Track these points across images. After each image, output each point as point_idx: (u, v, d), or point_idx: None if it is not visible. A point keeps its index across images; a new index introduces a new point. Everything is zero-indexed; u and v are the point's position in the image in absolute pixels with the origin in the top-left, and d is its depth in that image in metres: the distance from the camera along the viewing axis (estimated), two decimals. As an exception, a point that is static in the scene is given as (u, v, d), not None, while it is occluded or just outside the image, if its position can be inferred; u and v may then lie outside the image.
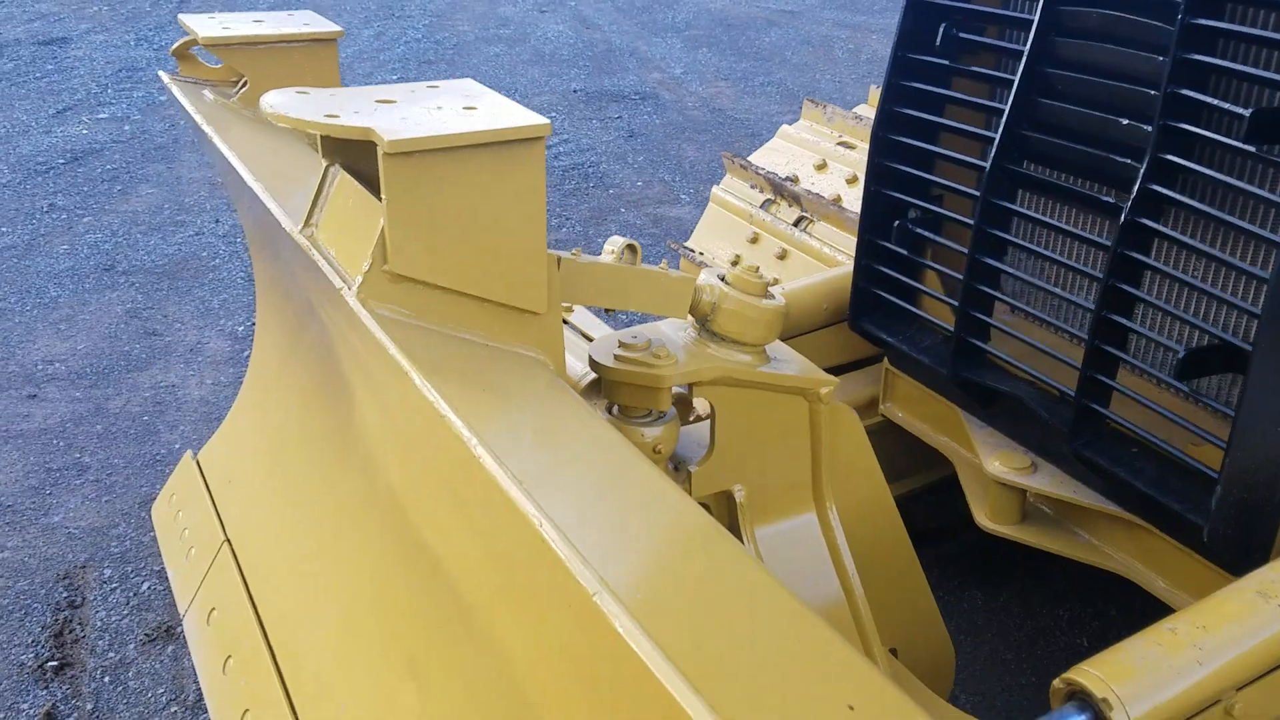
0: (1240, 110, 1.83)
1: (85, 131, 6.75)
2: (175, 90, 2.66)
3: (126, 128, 6.86)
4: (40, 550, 3.19)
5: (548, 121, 1.55)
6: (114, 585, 3.06)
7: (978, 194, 2.27)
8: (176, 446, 3.65)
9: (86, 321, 4.50)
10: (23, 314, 4.55)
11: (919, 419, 2.77)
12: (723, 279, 1.91)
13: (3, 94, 7.46)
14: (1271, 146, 1.84)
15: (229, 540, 2.91)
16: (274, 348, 2.86)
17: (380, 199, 1.52)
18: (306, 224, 1.82)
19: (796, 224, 3.24)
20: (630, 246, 1.76)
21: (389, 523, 1.90)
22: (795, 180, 3.38)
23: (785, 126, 3.67)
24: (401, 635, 1.86)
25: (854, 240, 2.70)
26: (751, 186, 3.43)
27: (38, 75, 7.91)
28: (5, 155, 6.32)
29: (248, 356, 4.23)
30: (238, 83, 2.68)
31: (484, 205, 1.53)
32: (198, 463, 3.23)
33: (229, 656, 2.71)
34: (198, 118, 2.53)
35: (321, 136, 1.79)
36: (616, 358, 1.82)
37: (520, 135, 1.52)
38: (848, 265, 2.80)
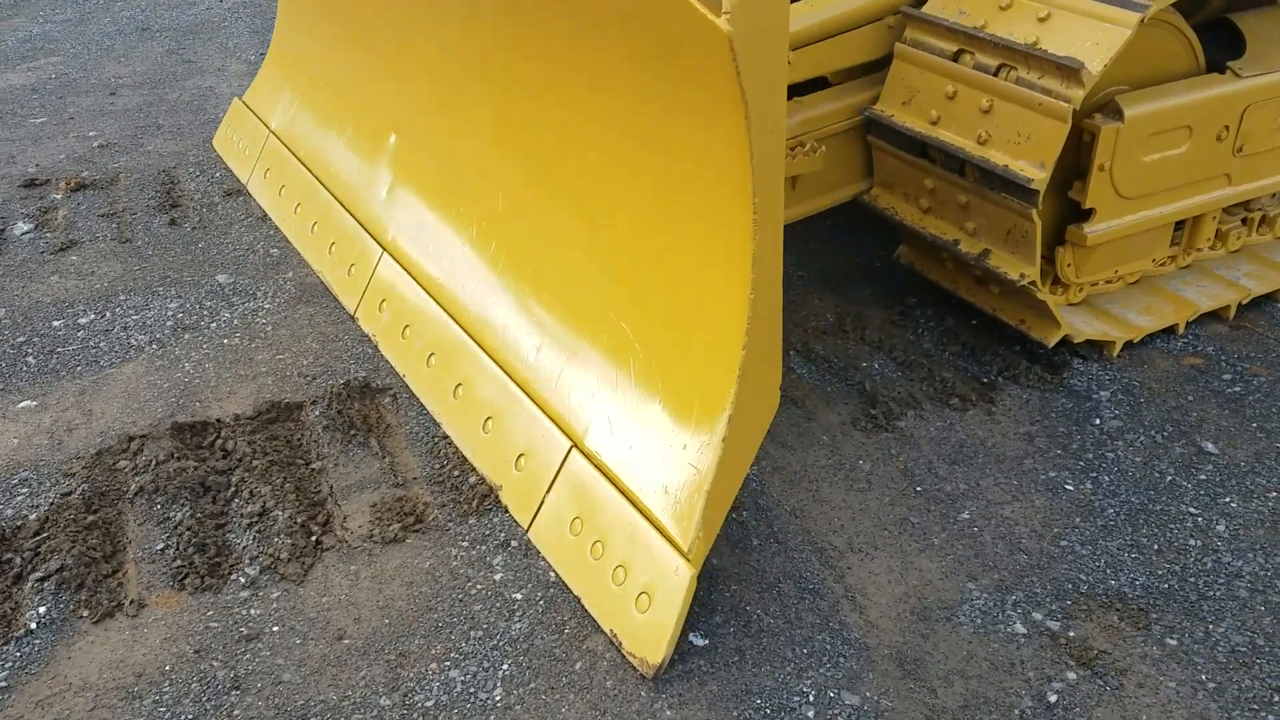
0: None
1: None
2: None
3: (132, -54, 8.32)
4: (143, 162, 4.85)
5: None
6: (196, 175, 4.73)
7: None
8: (222, 114, 5.28)
9: (138, 56, 6.10)
10: (90, 54, 6.14)
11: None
12: None
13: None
14: None
15: (273, 133, 4.57)
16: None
17: None
18: None
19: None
20: None
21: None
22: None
23: None
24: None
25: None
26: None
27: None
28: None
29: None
30: None
31: None
32: (244, 103, 4.88)
33: (281, 187, 4.39)
34: None
35: None
36: None
37: None
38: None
